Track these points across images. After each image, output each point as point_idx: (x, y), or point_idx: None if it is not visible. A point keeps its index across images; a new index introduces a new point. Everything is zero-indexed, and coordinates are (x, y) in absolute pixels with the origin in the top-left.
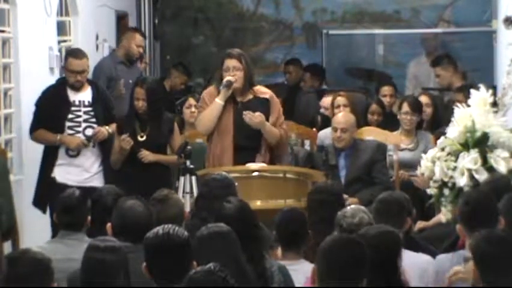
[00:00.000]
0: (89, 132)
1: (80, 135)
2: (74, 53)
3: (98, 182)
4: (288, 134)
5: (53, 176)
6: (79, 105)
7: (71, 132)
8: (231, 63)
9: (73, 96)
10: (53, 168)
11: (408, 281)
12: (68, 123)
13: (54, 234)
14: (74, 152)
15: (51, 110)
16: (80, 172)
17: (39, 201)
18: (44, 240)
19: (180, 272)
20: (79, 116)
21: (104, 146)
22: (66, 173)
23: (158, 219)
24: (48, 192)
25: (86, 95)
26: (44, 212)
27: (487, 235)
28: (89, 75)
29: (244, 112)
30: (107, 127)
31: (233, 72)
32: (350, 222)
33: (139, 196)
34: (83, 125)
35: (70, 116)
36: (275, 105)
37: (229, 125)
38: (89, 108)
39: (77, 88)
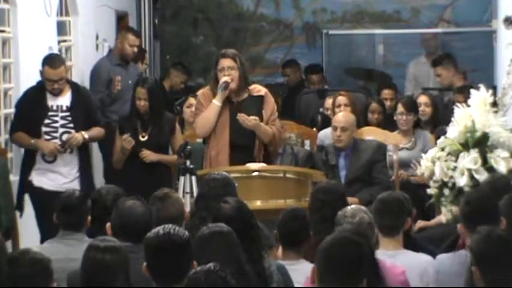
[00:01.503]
0: (66, 137)
1: (57, 140)
2: (50, 62)
3: (75, 187)
4: (282, 132)
5: (30, 179)
6: (56, 110)
7: (47, 137)
8: (225, 63)
9: (51, 101)
10: (30, 171)
11: (408, 281)
12: (44, 128)
13: (42, 236)
14: (50, 158)
15: (28, 113)
16: (57, 177)
17: (17, 204)
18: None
19: (180, 272)
20: (56, 121)
21: (85, 151)
22: (42, 177)
23: (158, 217)
24: (26, 195)
25: (65, 99)
26: (21, 215)
27: (486, 234)
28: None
29: (238, 114)
30: (83, 132)
31: (228, 72)
32: (349, 222)
33: (139, 196)
34: (60, 130)
35: (47, 121)
36: (269, 101)
37: (225, 125)
38: (67, 113)
39: (56, 94)
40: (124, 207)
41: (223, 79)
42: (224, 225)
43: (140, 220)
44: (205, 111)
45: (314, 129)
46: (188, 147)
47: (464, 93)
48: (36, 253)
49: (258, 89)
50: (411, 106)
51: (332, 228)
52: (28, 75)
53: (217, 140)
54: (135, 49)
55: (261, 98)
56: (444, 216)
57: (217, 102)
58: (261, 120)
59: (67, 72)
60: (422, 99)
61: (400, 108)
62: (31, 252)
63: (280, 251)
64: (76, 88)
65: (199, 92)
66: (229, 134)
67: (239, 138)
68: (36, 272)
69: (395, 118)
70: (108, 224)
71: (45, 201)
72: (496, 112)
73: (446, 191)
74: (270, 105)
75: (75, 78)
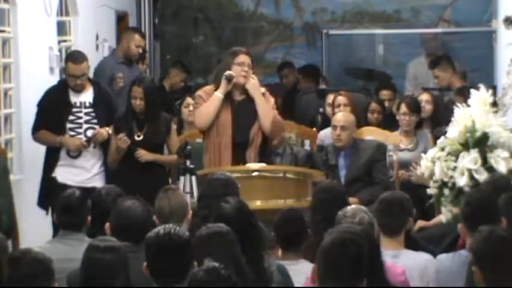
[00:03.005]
0: (90, 133)
1: (82, 136)
2: (73, 57)
3: (99, 182)
4: (281, 123)
5: (53, 176)
6: (80, 107)
7: (72, 133)
8: (246, 59)
9: (74, 98)
10: (54, 168)
11: (408, 281)
12: (69, 125)
13: (55, 234)
14: (75, 153)
15: (52, 111)
16: (81, 173)
17: (41, 202)
18: (44, 240)
19: (180, 272)
20: (80, 118)
21: (103, 147)
22: (67, 174)
23: (160, 209)
24: (49, 193)
25: (87, 96)
26: (47, 212)
27: (487, 234)
28: (91, 76)
29: (250, 80)
30: (107, 128)
31: (246, 68)
32: (350, 222)
33: (137, 196)
34: (84, 126)
35: (71, 117)
36: (268, 97)
37: (227, 123)
38: (90, 109)
39: (78, 90)
40: (123, 207)
41: (228, 72)
42: (223, 225)
43: (139, 220)
44: (206, 102)
45: (314, 129)
46: (188, 147)
47: (464, 93)
48: (38, 253)
49: None
50: (415, 106)
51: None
52: (28, 75)
53: (219, 138)
54: (140, 49)
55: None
56: (444, 216)
57: (219, 94)
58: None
59: (88, 69)
60: (424, 96)
61: (403, 108)
62: (32, 252)
63: (279, 251)
64: (96, 85)
65: (203, 88)
66: (232, 133)
67: (241, 137)
68: (37, 272)
69: (397, 118)
70: (107, 224)
71: None
72: (496, 112)
73: (446, 191)
74: (270, 99)
75: None
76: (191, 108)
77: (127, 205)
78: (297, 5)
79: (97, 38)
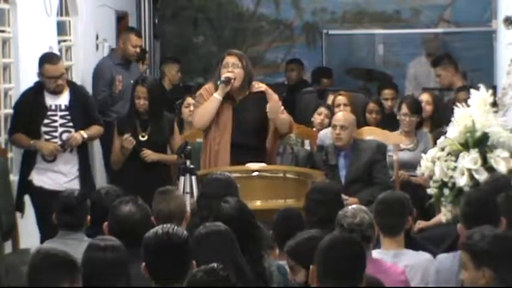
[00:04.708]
0: (65, 137)
1: (57, 140)
2: (48, 59)
3: (76, 186)
4: (292, 124)
5: (30, 178)
6: (55, 110)
7: (47, 137)
8: (230, 59)
9: (50, 101)
10: (30, 171)
11: (408, 281)
12: (44, 128)
13: (42, 236)
14: (50, 158)
15: (27, 114)
16: (57, 176)
17: (17, 204)
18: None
19: (179, 271)
20: (55, 121)
21: (84, 150)
22: (42, 177)
23: (159, 212)
24: (27, 195)
25: (63, 98)
26: (22, 215)
27: (503, 234)
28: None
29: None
30: (82, 132)
31: (231, 68)
32: (350, 222)
33: (137, 196)
34: (60, 129)
35: (46, 120)
36: (271, 93)
37: (228, 123)
38: (66, 113)
39: (57, 92)
40: (121, 213)
41: (226, 74)
42: (221, 224)
43: (138, 226)
44: (205, 103)
45: (314, 129)
46: (189, 147)
47: (466, 92)
48: (50, 249)
49: (258, 86)
50: (416, 107)
51: (329, 228)
52: (28, 75)
53: (219, 137)
54: (138, 49)
55: (262, 94)
56: (444, 216)
57: (217, 96)
58: (266, 115)
59: (64, 68)
60: (424, 96)
61: (404, 108)
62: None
63: (277, 251)
64: (73, 87)
65: (203, 87)
66: (231, 133)
67: (241, 138)
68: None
69: (398, 118)
70: (105, 224)
71: (45, 200)
72: (496, 112)
73: (446, 191)
74: (274, 96)
75: (75, 78)
76: (191, 108)
77: (125, 211)
78: (297, 5)
79: (97, 38)
